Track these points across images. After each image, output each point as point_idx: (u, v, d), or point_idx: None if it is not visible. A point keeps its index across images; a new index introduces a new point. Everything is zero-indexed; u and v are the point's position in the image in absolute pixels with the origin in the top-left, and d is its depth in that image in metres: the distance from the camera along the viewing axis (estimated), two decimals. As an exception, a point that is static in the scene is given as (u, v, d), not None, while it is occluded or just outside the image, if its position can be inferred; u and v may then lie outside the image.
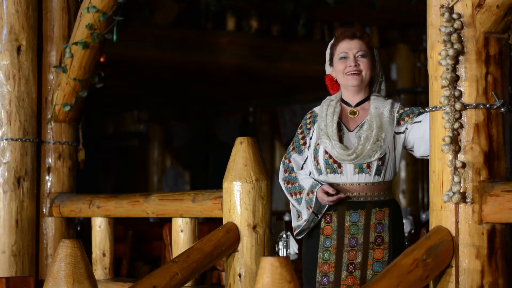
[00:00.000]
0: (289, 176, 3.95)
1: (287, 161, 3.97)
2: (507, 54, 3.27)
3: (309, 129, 3.95)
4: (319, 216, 3.85)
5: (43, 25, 5.68)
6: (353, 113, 3.91)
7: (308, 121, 3.98)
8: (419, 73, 10.63)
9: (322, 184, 3.81)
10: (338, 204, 3.83)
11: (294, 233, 3.94)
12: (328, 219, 3.85)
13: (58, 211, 5.58)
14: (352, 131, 3.86)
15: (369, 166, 3.79)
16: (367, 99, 3.93)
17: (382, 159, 3.80)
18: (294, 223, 3.95)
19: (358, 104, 3.92)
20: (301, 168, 3.96)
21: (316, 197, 3.80)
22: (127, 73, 9.81)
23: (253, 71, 9.69)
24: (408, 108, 3.91)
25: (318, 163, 3.85)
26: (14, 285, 5.07)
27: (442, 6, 3.21)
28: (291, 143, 4.00)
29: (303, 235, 3.93)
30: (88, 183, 10.15)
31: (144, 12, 8.69)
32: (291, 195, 3.92)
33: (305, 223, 3.87)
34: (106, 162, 14.19)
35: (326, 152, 3.82)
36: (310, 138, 3.93)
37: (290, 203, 3.99)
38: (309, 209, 3.83)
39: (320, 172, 3.86)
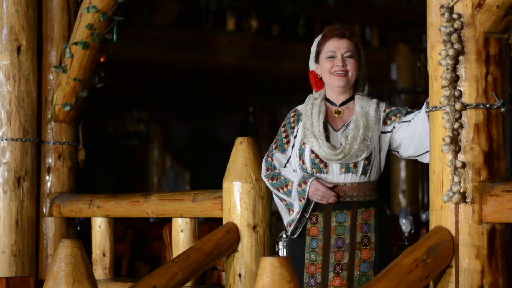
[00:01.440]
0: (272, 173, 3.90)
1: (269, 159, 3.92)
2: (507, 54, 3.27)
3: (293, 127, 3.92)
4: (307, 216, 3.82)
5: (43, 25, 5.68)
6: (338, 112, 3.89)
7: (291, 119, 3.95)
8: (419, 73, 10.63)
9: (315, 177, 3.77)
10: (324, 205, 3.81)
11: (289, 230, 3.86)
12: (314, 220, 3.82)
13: (58, 211, 5.58)
14: (338, 130, 3.84)
15: (355, 166, 3.77)
16: (351, 98, 3.91)
17: (368, 158, 3.78)
18: (287, 219, 3.87)
19: (342, 104, 3.91)
20: (284, 167, 3.93)
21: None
22: (127, 73, 9.81)
23: (253, 71, 9.70)
24: (395, 108, 3.90)
25: (304, 162, 3.82)
26: (14, 285, 5.07)
27: (442, 6, 3.21)
28: (274, 142, 3.96)
29: (298, 233, 3.84)
30: (88, 183, 10.16)
31: (144, 12, 8.70)
32: (278, 190, 3.86)
33: (298, 215, 3.80)
34: (106, 162, 14.19)
35: (312, 152, 3.79)
36: (295, 137, 3.90)
37: (277, 201, 3.93)
38: (301, 200, 3.78)
39: (305, 171, 3.83)
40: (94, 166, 12.79)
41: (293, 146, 3.89)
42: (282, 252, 5.18)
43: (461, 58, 3.20)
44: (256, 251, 4.23)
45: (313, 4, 9.31)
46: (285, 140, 3.92)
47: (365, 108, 3.84)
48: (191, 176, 13.78)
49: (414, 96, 10.64)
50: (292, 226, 3.84)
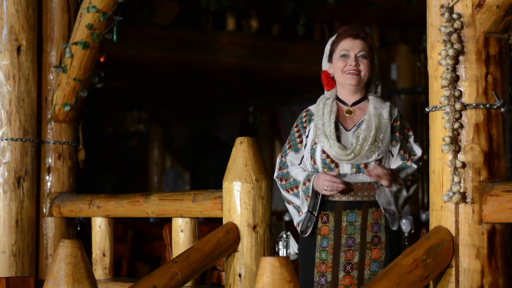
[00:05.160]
0: (281, 173, 3.93)
1: (283, 159, 3.95)
2: (507, 54, 3.27)
3: (305, 127, 3.93)
4: (315, 214, 3.84)
5: (43, 25, 5.68)
6: (349, 112, 3.90)
7: (304, 119, 3.97)
8: (419, 73, 10.64)
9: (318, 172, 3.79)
10: (335, 204, 3.82)
11: (299, 230, 3.88)
12: (325, 219, 3.84)
13: (58, 211, 5.58)
14: (349, 130, 3.85)
15: (366, 166, 3.79)
16: (363, 99, 3.92)
17: (379, 159, 3.80)
18: (296, 219, 3.90)
19: (354, 104, 3.92)
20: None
21: (313, 185, 3.77)
22: (127, 73, 9.81)
23: (253, 71, 9.70)
24: (402, 125, 3.89)
25: (315, 162, 3.84)
26: (14, 285, 5.07)
27: (442, 6, 3.21)
28: (287, 142, 3.98)
29: (309, 232, 3.86)
30: (88, 183, 10.15)
31: (144, 12, 8.70)
32: (288, 192, 3.89)
33: (304, 215, 3.83)
34: (106, 162, 14.18)
35: (323, 152, 3.81)
36: (307, 137, 3.92)
37: (286, 202, 3.97)
38: (307, 199, 3.81)
39: (316, 171, 3.85)
40: (94, 166, 12.81)
41: (305, 145, 3.91)
42: (282, 252, 5.18)
43: (461, 58, 3.20)
44: (256, 251, 4.23)
45: (313, 4, 9.31)
46: (298, 140, 3.94)
47: (378, 109, 3.85)
48: (191, 176, 13.78)
49: (414, 96, 10.65)
50: (301, 226, 3.86)
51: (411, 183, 3.85)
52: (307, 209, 3.82)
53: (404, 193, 3.82)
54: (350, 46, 3.87)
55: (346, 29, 3.93)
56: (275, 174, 3.98)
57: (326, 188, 3.74)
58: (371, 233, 3.80)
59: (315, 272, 3.83)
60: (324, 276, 3.81)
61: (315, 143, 3.85)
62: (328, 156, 3.80)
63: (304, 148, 3.92)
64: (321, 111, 3.88)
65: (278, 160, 3.99)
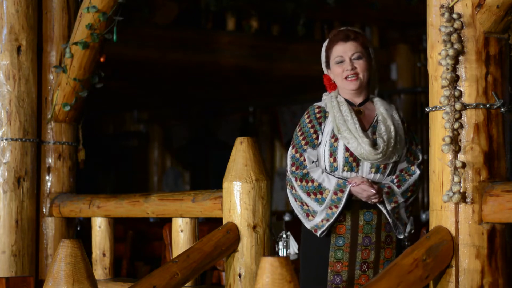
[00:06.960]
0: (301, 173, 3.83)
1: (297, 155, 3.86)
2: (507, 54, 3.27)
3: (320, 123, 3.87)
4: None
5: (43, 25, 5.68)
6: (359, 112, 3.90)
7: (317, 115, 3.89)
8: (419, 73, 10.64)
9: (347, 180, 3.77)
10: (351, 203, 3.81)
11: (318, 233, 3.83)
12: (341, 218, 3.82)
13: (58, 211, 5.58)
14: (367, 130, 3.85)
15: (385, 167, 3.81)
16: (367, 99, 3.93)
17: (396, 161, 3.83)
18: (309, 224, 3.84)
19: (360, 105, 3.92)
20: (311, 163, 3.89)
21: (350, 193, 3.75)
22: (127, 73, 9.81)
23: (253, 71, 9.70)
24: (408, 129, 3.94)
25: (335, 160, 3.80)
26: (14, 285, 5.06)
27: (442, 6, 3.21)
28: (301, 137, 3.88)
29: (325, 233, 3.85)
30: (88, 183, 10.15)
31: (144, 12, 8.70)
32: (308, 195, 3.82)
33: (328, 223, 3.79)
34: (106, 162, 14.18)
35: (347, 150, 3.79)
36: (322, 134, 3.89)
37: (296, 200, 3.91)
38: (332, 208, 3.76)
39: (335, 169, 3.81)
40: (94, 166, 12.81)
41: (320, 143, 3.87)
42: (282, 252, 5.17)
43: (461, 58, 3.20)
44: (256, 251, 4.23)
45: (313, 4, 9.31)
46: (314, 136, 3.87)
47: (389, 111, 3.87)
48: (191, 176, 13.78)
49: (414, 96, 10.64)
50: (321, 231, 3.82)
51: (411, 194, 3.85)
52: (327, 217, 3.79)
53: (402, 206, 3.83)
54: (343, 51, 3.86)
55: (335, 33, 3.92)
56: (289, 170, 3.89)
57: (374, 200, 3.76)
58: (385, 233, 3.83)
59: (329, 271, 3.82)
60: (339, 275, 3.81)
61: (335, 140, 3.82)
62: (351, 154, 3.77)
63: (319, 145, 3.88)
64: (337, 108, 3.85)
65: (291, 155, 3.90)
